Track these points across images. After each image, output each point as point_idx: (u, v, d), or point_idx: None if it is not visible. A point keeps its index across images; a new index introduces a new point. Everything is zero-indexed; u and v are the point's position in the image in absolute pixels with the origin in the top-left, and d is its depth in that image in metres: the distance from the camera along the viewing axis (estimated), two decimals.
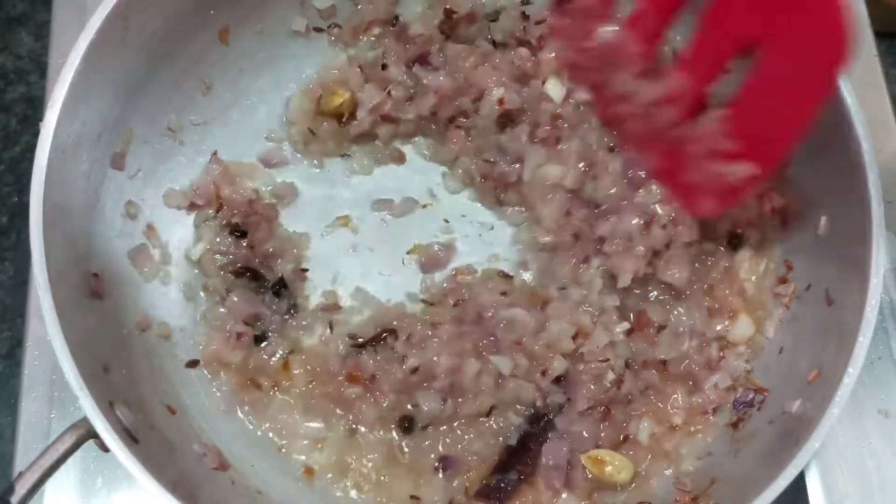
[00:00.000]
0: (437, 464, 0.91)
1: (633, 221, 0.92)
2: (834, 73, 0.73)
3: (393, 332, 0.94)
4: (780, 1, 0.73)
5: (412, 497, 0.91)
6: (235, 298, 0.95)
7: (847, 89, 0.82)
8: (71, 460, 0.76)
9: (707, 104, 0.83)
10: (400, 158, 1.05)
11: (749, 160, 0.79)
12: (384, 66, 1.02)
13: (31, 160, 0.80)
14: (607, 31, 0.85)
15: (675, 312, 0.94)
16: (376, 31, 1.05)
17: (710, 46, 0.80)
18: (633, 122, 0.88)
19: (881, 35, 1.14)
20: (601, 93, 0.90)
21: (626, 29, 0.84)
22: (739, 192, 0.83)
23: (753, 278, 0.96)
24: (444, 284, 0.98)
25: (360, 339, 0.95)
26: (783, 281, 0.93)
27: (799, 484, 0.94)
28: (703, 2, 0.78)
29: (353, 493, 0.92)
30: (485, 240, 1.02)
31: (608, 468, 0.88)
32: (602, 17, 0.86)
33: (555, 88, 0.98)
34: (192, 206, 0.99)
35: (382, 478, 0.92)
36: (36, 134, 0.81)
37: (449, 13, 1.03)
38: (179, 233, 0.99)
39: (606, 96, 0.89)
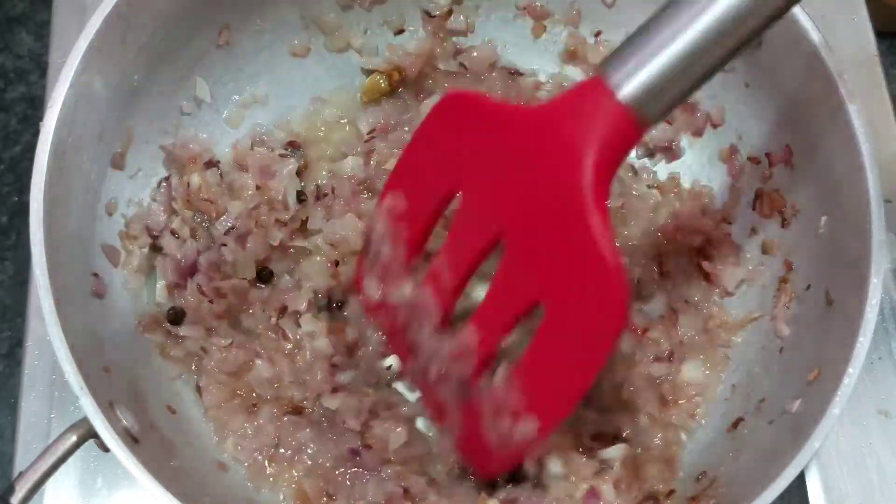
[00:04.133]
0: None
1: None
2: (612, 334, 0.73)
3: None
4: (559, 266, 0.74)
5: None
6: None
7: (847, 89, 0.82)
8: (71, 460, 0.75)
9: (496, 361, 0.83)
10: None
11: (535, 416, 0.79)
12: None
13: (31, 160, 0.80)
14: (407, 286, 0.88)
15: None
16: None
17: (498, 304, 0.81)
18: (431, 381, 0.88)
19: (881, 35, 1.14)
20: (410, 357, 0.90)
21: (425, 285, 0.86)
22: (524, 451, 0.83)
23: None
24: None
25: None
26: (783, 281, 0.94)
27: (799, 484, 0.94)
28: (501, 262, 0.80)
29: None
30: None
31: None
32: (405, 272, 0.88)
33: None
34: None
35: None
36: (36, 134, 0.81)
37: None
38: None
39: (407, 350, 0.91)
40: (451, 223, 0.84)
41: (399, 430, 0.90)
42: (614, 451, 0.90)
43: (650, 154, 1.04)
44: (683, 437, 0.94)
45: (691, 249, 0.99)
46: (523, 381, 0.80)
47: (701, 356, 0.96)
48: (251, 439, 0.91)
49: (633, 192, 1.03)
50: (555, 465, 0.87)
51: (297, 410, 0.93)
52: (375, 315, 0.94)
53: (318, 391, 0.93)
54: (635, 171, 1.04)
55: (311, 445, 0.91)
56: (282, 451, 0.91)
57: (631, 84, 0.68)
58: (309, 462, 0.91)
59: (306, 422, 0.92)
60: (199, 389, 0.93)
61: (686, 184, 1.03)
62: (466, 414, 0.86)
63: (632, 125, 0.70)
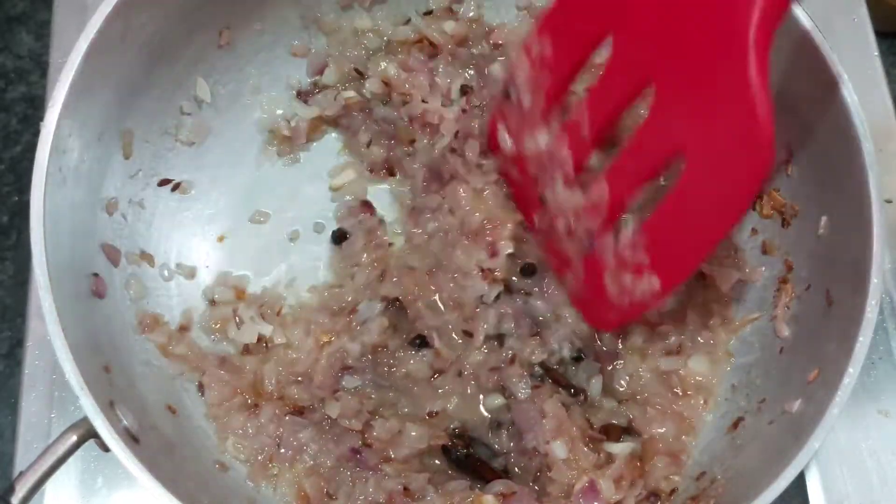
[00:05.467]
0: None
1: None
2: (756, 182, 0.72)
3: None
4: (709, 113, 0.73)
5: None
6: None
7: (847, 89, 0.82)
8: (71, 460, 0.75)
9: (624, 217, 0.84)
10: None
11: (658, 275, 0.79)
12: None
13: (31, 160, 0.80)
14: (543, 136, 0.87)
15: None
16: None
17: (638, 154, 0.80)
18: (556, 234, 0.88)
19: (881, 35, 1.14)
20: (531, 201, 0.90)
21: (561, 136, 0.85)
22: (641, 308, 0.84)
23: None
24: None
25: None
26: (783, 281, 0.93)
27: (799, 484, 0.94)
28: (649, 112, 0.79)
29: None
30: None
31: None
32: (541, 121, 0.87)
33: None
34: None
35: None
36: (36, 133, 0.81)
37: None
38: (178, 233, 0.99)
39: (537, 207, 0.90)
40: (604, 69, 0.81)
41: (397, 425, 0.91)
42: (620, 448, 0.90)
43: None
44: (692, 430, 0.93)
45: None
46: (651, 237, 0.79)
47: (706, 351, 0.96)
48: (252, 438, 0.91)
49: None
50: (560, 449, 0.88)
51: (299, 410, 0.93)
52: (506, 167, 0.93)
53: (320, 396, 0.94)
54: None
55: (312, 445, 0.91)
56: (282, 450, 0.91)
57: None
58: (310, 461, 0.91)
59: (307, 421, 0.92)
60: (200, 388, 0.93)
61: None
62: (589, 266, 0.85)
63: None
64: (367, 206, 1.03)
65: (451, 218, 0.97)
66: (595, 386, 0.94)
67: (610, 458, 0.90)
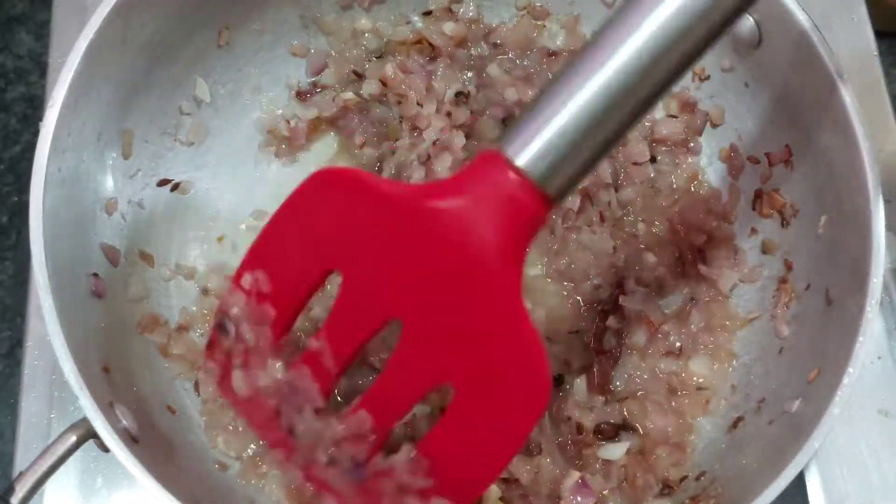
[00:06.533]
0: None
1: None
2: (533, 418, 0.68)
3: None
4: (470, 347, 0.69)
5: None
6: None
7: (847, 89, 0.82)
8: (71, 460, 0.75)
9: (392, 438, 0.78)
10: None
11: (446, 496, 0.73)
12: None
13: (30, 160, 0.80)
14: (278, 367, 0.79)
15: None
16: None
17: (396, 386, 0.74)
18: (319, 467, 0.79)
19: (881, 35, 1.14)
20: (281, 438, 0.80)
21: (300, 366, 0.78)
22: None
23: None
24: None
25: None
26: (783, 281, 0.94)
27: (799, 484, 0.94)
28: (399, 342, 0.72)
29: None
30: None
31: None
32: (272, 354, 0.79)
33: None
34: None
35: None
36: (36, 133, 0.81)
37: None
38: (178, 233, 0.99)
39: (287, 441, 0.80)
40: (333, 306, 0.75)
41: None
42: (616, 450, 0.89)
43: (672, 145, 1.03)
44: (693, 422, 0.93)
45: (692, 248, 0.99)
46: (431, 460, 0.73)
47: (708, 353, 0.96)
48: (242, 435, 0.91)
49: (653, 186, 1.02)
50: (548, 469, 0.87)
51: None
52: (241, 408, 0.82)
53: None
54: (654, 160, 1.03)
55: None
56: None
57: (526, 154, 0.64)
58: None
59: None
60: (196, 386, 0.93)
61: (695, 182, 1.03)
62: (366, 494, 0.77)
63: (535, 198, 0.65)
64: None
65: None
66: (579, 386, 0.92)
67: (606, 465, 0.89)
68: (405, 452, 0.74)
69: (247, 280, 0.78)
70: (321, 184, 0.74)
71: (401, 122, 1.01)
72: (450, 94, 1.01)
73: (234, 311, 0.79)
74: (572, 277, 0.97)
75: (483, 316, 0.68)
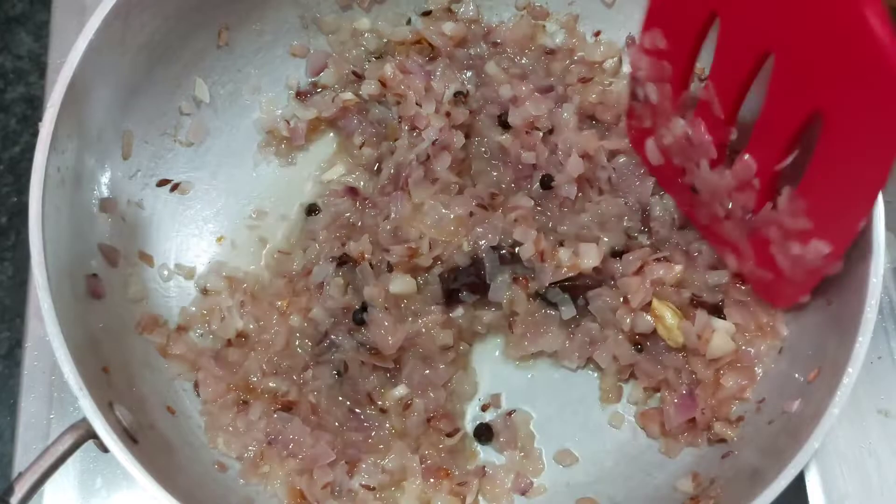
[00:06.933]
0: None
1: None
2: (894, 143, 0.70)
3: None
4: (836, 72, 0.72)
5: None
6: None
7: None
8: (70, 460, 0.76)
9: (779, 186, 0.82)
10: None
11: (825, 238, 0.78)
12: None
13: (30, 160, 0.80)
14: (679, 124, 0.88)
15: None
16: None
17: (772, 124, 0.79)
18: (719, 222, 0.89)
19: None
20: (688, 197, 0.91)
21: (695, 121, 0.86)
22: (817, 276, 0.82)
23: None
24: None
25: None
26: None
27: (799, 484, 0.94)
28: (770, 81, 0.78)
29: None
30: None
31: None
32: (674, 111, 0.88)
33: None
34: None
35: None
36: (35, 134, 0.81)
37: None
38: (177, 233, 0.99)
39: (692, 199, 0.91)
40: (715, 51, 0.82)
41: None
42: (723, 325, 0.90)
43: None
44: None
45: None
46: (807, 201, 0.78)
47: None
48: (242, 436, 0.91)
49: None
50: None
51: (287, 406, 0.93)
52: (656, 174, 0.94)
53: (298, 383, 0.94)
54: None
55: (308, 439, 0.90)
56: (273, 448, 0.91)
57: None
58: (301, 458, 0.91)
59: (297, 418, 0.92)
60: (196, 386, 0.93)
61: None
62: (756, 245, 0.86)
63: None
64: (352, 191, 1.02)
65: (384, 223, 0.96)
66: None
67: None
68: (785, 194, 0.80)
69: (647, 40, 0.87)
70: None
71: (400, 121, 1.01)
72: (448, 94, 1.01)
73: (640, 73, 0.89)
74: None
75: (848, 33, 0.69)
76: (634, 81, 0.92)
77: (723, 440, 0.90)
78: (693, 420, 0.91)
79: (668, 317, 0.90)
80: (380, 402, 0.93)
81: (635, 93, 0.92)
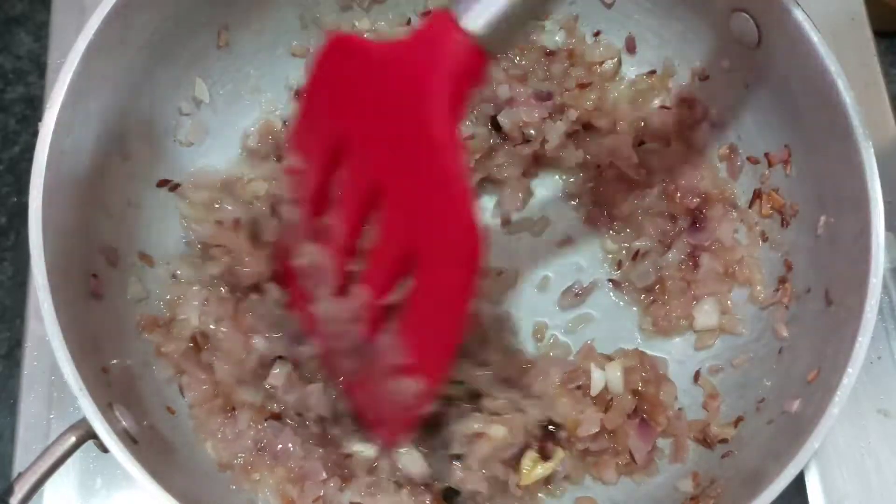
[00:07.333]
0: None
1: None
2: (468, 280, 0.71)
3: None
4: (426, 214, 0.72)
5: None
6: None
7: (846, 89, 0.82)
8: (70, 461, 0.75)
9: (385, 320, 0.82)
10: None
11: (419, 373, 0.79)
12: None
13: (30, 160, 0.80)
14: (308, 250, 0.85)
15: None
16: None
17: (381, 258, 0.79)
18: (335, 350, 0.87)
19: (881, 35, 1.14)
20: (312, 321, 0.89)
21: (323, 248, 0.84)
22: (413, 412, 0.82)
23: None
24: None
25: None
26: (783, 281, 0.94)
27: (799, 484, 0.94)
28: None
29: None
30: None
31: None
32: (305, 234, 0.86)
33: None
34: None
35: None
36: (35, 134, 0.81)
37: None
38: (176, 233, 0.99)
39: (316, 324, 0.88)
40: (342, 185, 0.82)
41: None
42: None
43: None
44: None
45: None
46: (406, 337, 0.79)
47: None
48: (230, 443, 0.90)
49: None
50: None
51: (276, 415, 0.92)
52: (298, 305, 0.90)
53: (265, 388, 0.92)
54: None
55: (298, 449, 0.90)
56: (263, 456, 0.90)
57: (471, 12, 0.67)
58: (295, 467, 0.90)
59: (288, 427, 0.91)
60: (181, 389, 0.92)
61: None
62: (368, 380, 0.84)
63: (475, 53, 0.68)
64: None
65: None
66: None
67: None
68: (392, 328, 0.80)
69: (287, 160, 0.86)
70: (326, 53, 0.79)
71: None
72: None
73: (279, 192, 0.89)
74: None
75: (429, 175, 0.70)
76: (277, 201, 0.90)
77: (724, 440, 0.90)
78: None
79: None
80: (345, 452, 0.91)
81: (275, 208, 0.91)
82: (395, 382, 0.80)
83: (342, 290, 0.83)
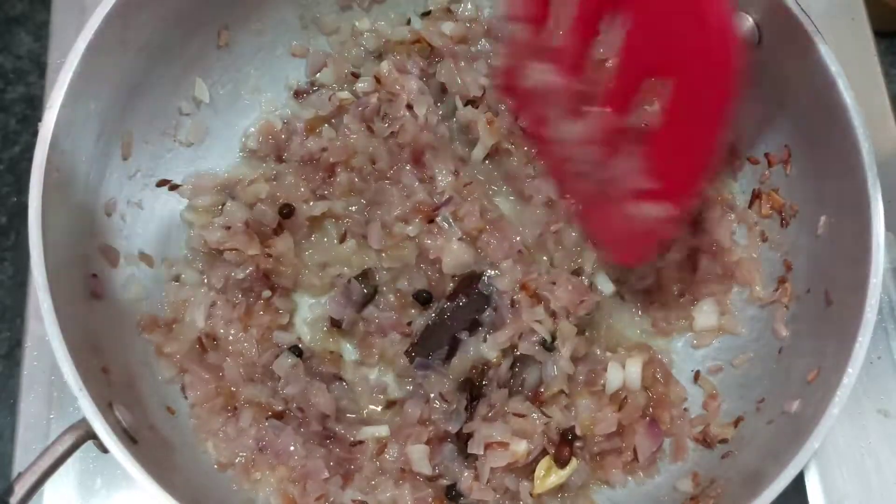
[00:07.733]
0: None
1: None
2: (726, 86, 0.71)
3: None
4: (676, 36, 0.72)
5: None
6: None
7: (846, 89, 0.82)
8: (70, 461, 0.75)
9: (627, 142, 0.83)
10: None
11: (665, 199, 0.79)
12: None
13: (30, 160, 0.80)
14: (538, 68, 0.86)
15: None
16: None
17: (624, 80, 0.80)
18: (569, 171, 0.88)
19: (881, 35, 1.14)
20: (544, 141, 0.91)
21: (553, 64, 0.85)
22: (657, 238, 0.84)
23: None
24: None
25: None
26: (783, 281, 0.93)
27: (798, 484, 0.94)
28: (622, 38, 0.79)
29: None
30: None
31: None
32: (536, 55, 0.87)
33: None
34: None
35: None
36: (35, 134, 0.81)
37: None
38: (176, 233, 0.99)
39: (548, 144, 0.90)
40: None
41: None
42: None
43: None
44: None
45: None
46: (651, 161, 0.79)
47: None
48: (232, 442, 0.90)
49: None
50: None
51: (278, 414, 0.92)
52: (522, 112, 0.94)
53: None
54: None
55: (300, 449, 0.90)
56: (264, 455, 0.90)
57: None
58: (297, 466, 0.90)
59: (289, 427, 0.91)
60: (183, 389, 0.93)
61: None
62: (607, 204, 0.85)
63: None
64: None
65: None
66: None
67: None
68: (632, 150, 0.80)
69: None
70: None
71: (383, 119, 1.01)
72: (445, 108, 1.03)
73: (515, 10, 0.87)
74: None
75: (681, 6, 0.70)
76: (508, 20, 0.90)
77: (724, 440, 0.90)
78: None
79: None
80: (351, 438, 0.92)
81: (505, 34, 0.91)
82: (636, 207, 0.80)
83: (576, 112, 0.84)
